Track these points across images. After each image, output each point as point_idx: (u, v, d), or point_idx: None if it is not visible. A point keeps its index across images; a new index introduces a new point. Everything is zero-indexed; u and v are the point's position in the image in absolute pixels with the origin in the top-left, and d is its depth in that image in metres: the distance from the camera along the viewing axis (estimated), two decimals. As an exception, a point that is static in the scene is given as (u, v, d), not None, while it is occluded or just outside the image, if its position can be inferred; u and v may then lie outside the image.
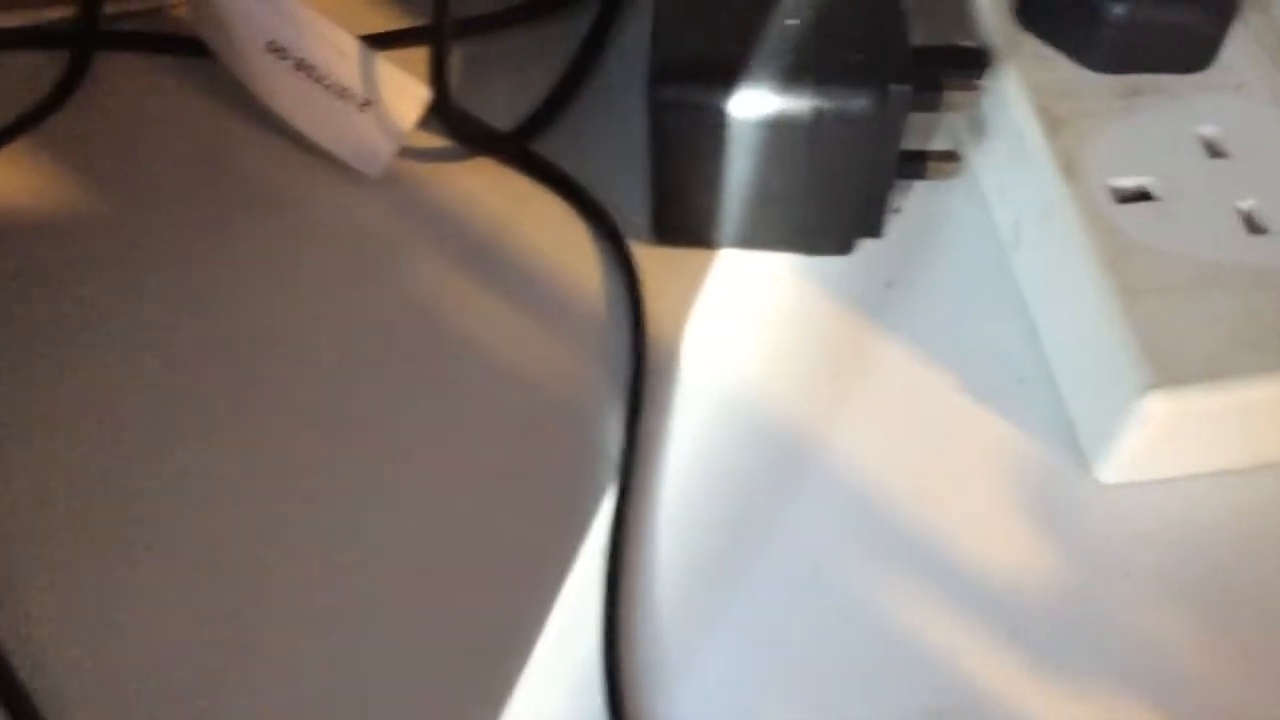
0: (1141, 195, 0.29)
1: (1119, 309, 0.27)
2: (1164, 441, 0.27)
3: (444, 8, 0.31)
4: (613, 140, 0.35)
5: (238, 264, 0.32)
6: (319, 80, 0.32)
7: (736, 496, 0.29)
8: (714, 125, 0.30)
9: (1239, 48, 0.32)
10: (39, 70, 0.36)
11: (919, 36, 0.31)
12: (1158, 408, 0.26)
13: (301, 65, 0.32)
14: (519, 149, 0.34)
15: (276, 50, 0.32)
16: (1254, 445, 0.28)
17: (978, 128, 0.34)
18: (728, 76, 0.29)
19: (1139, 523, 0.28)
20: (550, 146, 0.34)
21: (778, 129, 0.30)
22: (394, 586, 0.27)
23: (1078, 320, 0.29)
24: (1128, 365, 0.27)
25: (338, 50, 0.31)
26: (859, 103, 0.29)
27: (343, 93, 0.32)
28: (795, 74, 0.29)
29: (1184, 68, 0.31)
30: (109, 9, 0.37)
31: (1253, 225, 0.29)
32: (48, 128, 0.35)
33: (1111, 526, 0.28)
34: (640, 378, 0.30)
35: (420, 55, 0.34)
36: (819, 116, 0.29)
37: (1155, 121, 0.31)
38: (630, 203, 0.33)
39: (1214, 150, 0.30)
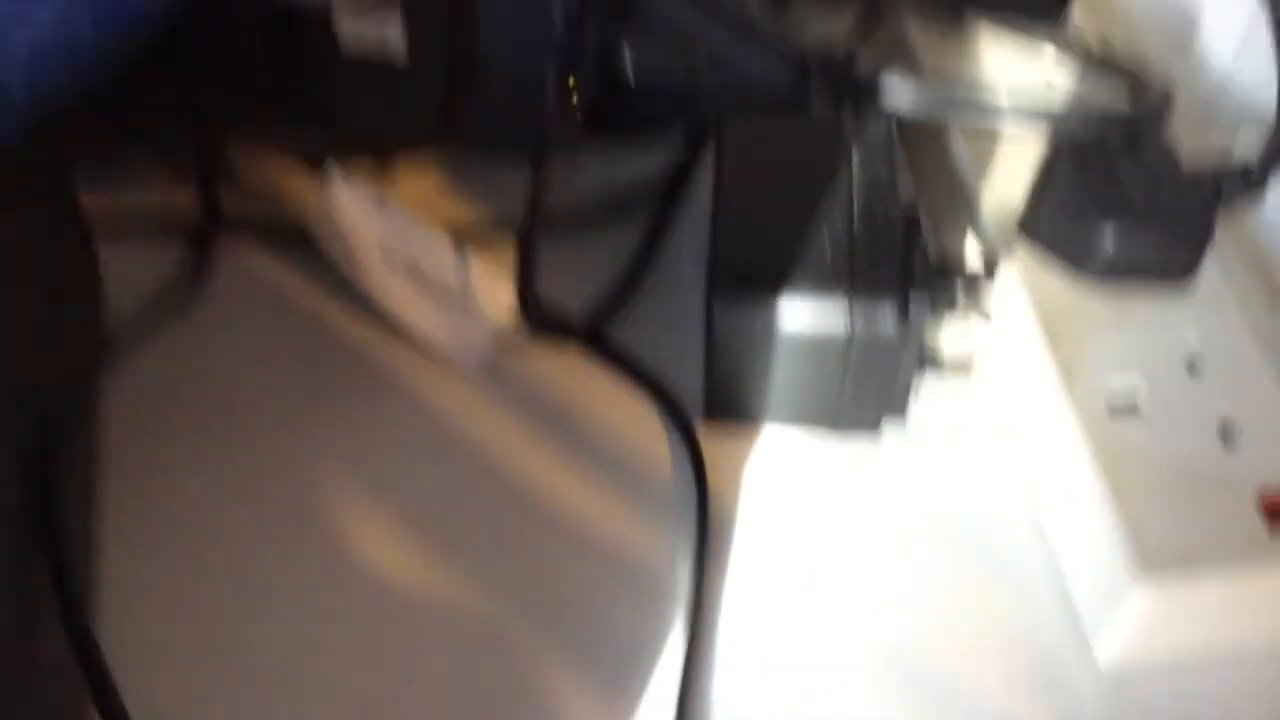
0: (1130, 404, 0.34)
1: (1111, 507, 0.31)
2: (1153, 624, 0.31)
3: (533, 218, 0.36)
4: (670, 325, 0.40)
5: (337, 435, 0.37)
6: (427, 283, 0.37)
7: (785, 648, 0.33)
8: (763, 332, 0.35)
9: (1217, 265, 0.37)
10: (155, 255, 0.41)
11: (935, 249, 0.36)
12: (1145, 593, 0.30)
13: (411, 270, 0.36)
14: (592, 338, 0.39)
15: (390, 257, 0.37)
16: (1235, 629, 0.32)
17: (988, 328, 0.39)
18: (775, 290, 0.34)
19: (1134, 701, 0.32)
20: (617, 330, 0.39)
21: (817, 336, 0.35)
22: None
23: (1075, 513, 0.33)
24: (1119, 556, 0.31)
25: (441, 255, 0.36)
26: (885, 313, 0.34)
27: (446, 294, 0.37)
28: (833, 287, 0.34)
29: (1169, 281, 0.36)
30: (226, 200, 0.42)
31: (1225, 433, 0.33)
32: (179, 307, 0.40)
33: (1108, 706, 0.32)
34: (704, 541, 0.35)
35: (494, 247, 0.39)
36: (852, 325, 0.34)
37: (1143, 333, 0.35)
38: (687, 380, 0.38)
39: (1193, 362, 0.35)
